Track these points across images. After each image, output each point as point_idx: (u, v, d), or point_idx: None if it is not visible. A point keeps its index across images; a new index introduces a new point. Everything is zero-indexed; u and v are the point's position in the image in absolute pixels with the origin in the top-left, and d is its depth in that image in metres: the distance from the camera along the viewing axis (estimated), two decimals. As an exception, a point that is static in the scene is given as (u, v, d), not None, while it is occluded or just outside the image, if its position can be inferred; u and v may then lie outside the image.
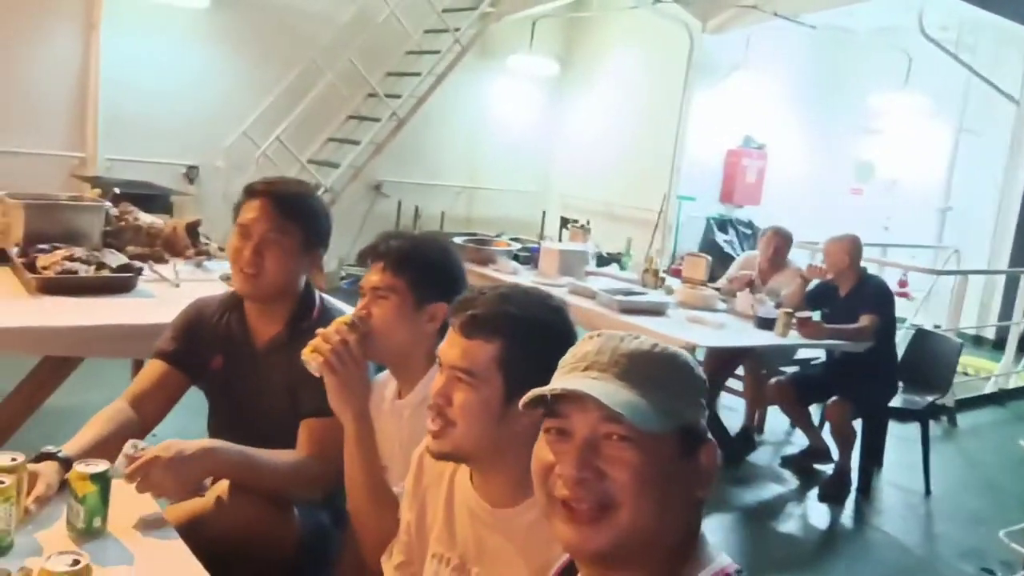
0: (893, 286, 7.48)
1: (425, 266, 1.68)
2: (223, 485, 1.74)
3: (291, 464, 1.80)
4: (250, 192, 1.90)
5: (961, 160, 8.41)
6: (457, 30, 7.39)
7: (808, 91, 8.77)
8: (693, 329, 3.75)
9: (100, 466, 1.43)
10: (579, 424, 0.96)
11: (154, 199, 6.11)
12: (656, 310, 3.92)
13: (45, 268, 2.51)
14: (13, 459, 1.40)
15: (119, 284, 2.56)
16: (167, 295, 2.62)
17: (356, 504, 1.60)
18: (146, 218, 3.23)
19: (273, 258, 1.85)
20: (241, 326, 1.95)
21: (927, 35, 6.94)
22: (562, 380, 0.99)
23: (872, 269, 6.43)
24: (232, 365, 1.96)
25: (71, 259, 2.59)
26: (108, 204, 3.14)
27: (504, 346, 1.26)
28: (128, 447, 1.54)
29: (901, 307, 6.87)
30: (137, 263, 2.74)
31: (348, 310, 2.13)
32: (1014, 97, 7.81)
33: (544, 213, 8.74)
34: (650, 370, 0.97)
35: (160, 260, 3.03)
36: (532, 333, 1.26)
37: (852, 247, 4.23)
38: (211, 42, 6.96)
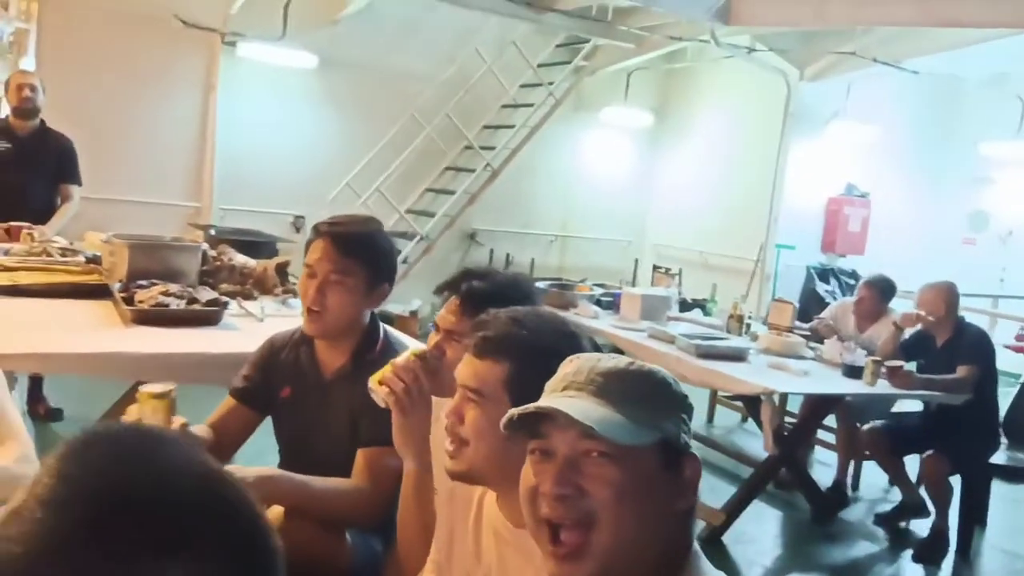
0: (1009, 339, 7.10)
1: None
2: (278, 510, 1.81)
3: (345, 491, 1.87)
4: (315, 232, 1.99)
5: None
6: (551, 84, 7.58)
7: (914, 138, 8.51)
8: (773, 375, 3.67)
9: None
10: (559, 443, 0.99)
11: (262, 246, 6.48)
12: (735, 355, 3.86)
13: (141, 302, 2.72)
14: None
15: (206, 317, 2.74)
16: (251, 328, 2.78)
17: (406, 539, 1.64)
18: (239, 258, 3.44)
19: (335, 297, 1.93)
20: (310, 358, 2.05)
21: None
22: (540, 401, 1.03)
23: (984, 321, 6.13)
24: (299, 395, 2.06)
25: (166, 294, 2.79)
26: (205, 245, 3.37)
27: (512, 368, 1.28)
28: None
29: (1018, 362, 6.49)
30: (224, 298, 2.92)
31: (410, 342, 2.22)
32: None
33: (637, 261, 8.73)
34: (626, 386, 0.99)
35: (249, 297, 3.22)
36: (540, 356, 1.25)
37: (948, 294, 4.04)
38: (319, 100, 7.37)
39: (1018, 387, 4.39)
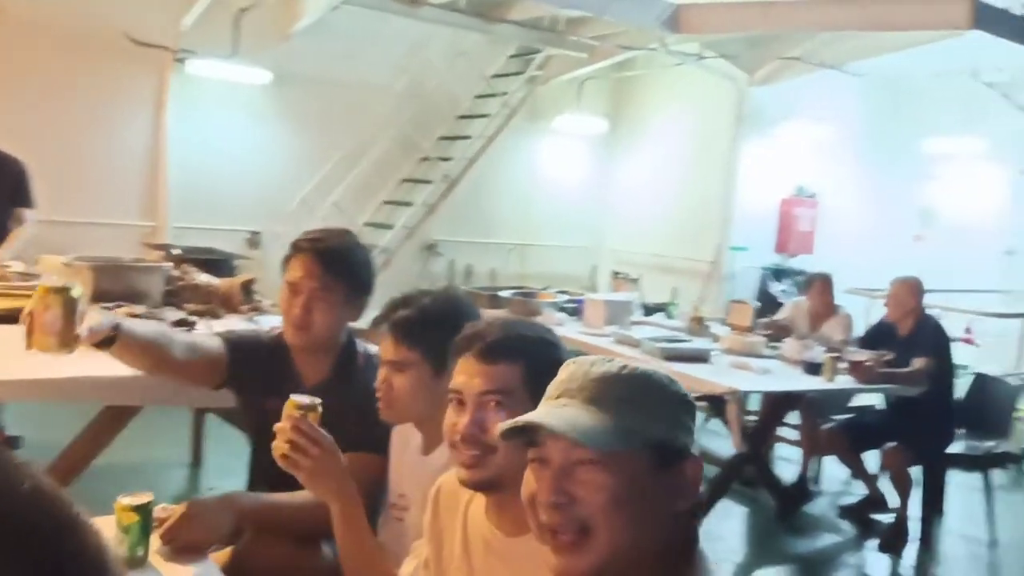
0: (959, 332, 7.31)
1: (439, 333, 1.61)
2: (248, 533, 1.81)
3: (317, 501, 1.88)
4: (296, 248, 2.00)
5: (1022, 202, 8.22)
6: (505, 94, 7.64)
7: (860, 138, 8.74)
8: (736, 375, 3.74)
9: (143, 498, 1.53)
10: (553, 452, 1.02)
11: (217, 263, 6.40)
12: (699, 357, 3.93)
13: (107, 324, 2.68)
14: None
15: (151, 320, 2.70)
16: (201, 335, 2.75)
17: (349, 573, 1.63)
18: (203, 278, 3.41)
19: (321, 312, 1.95)
20: (290, 368, 2.05)
21: (980, 78, 6.89)
22: (534, 412, 1.05)
23: (935, 315, 6.31)
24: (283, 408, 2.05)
25: (131, 316, 2.76)
26: (168, 265, 3.34)
27: (526, 365, 1.32)
28: (158, 510, 1.66)
29: (968, 354, 6.69)
30: (192, 318, 2.90)
31: None
32: (1072, 137, 7.65)
33: (595, 267, 8.82)
34: (616, 391, 1.01)
35: (216, 316, 3.19)
36: (545, 352, 1.33)
37: (919, 288, 4.21)
38: (273, 115, 7.33)
39: (972, 378, 4.52)
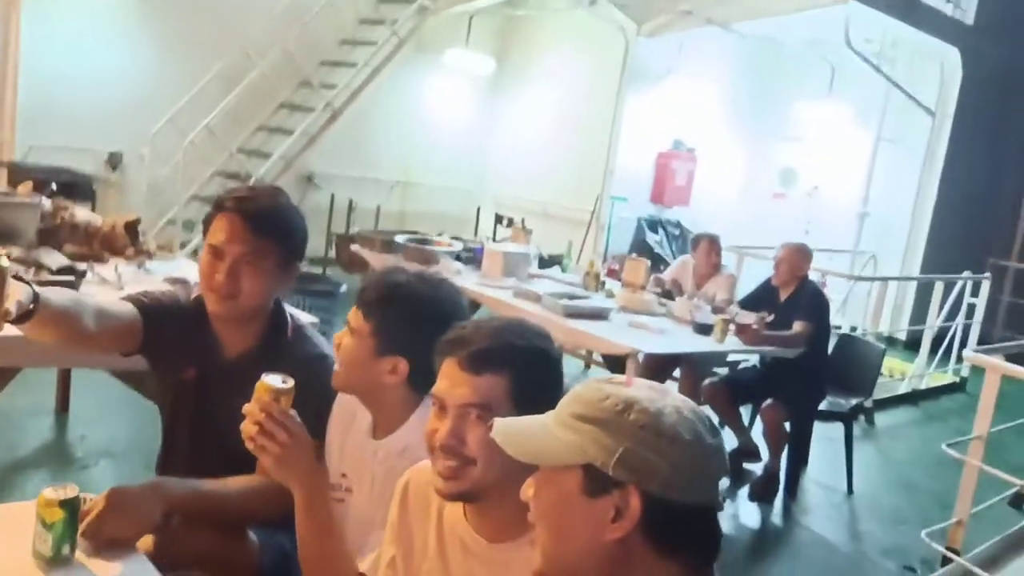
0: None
1: (394, 315, 1.58)
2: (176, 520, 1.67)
3: (249, 488, 1.75)
4: (220, 207, 1.79)
5: (879, 168, 8.76)
6: (395, 22, 7.32)
7: (736, 97, 9.01)
8: (636, 335, 3.81)
9: (70, 491, 1.38)
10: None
11: (75, 187, 5.89)
12: (599, 314, 3.96)
13: (-20, 270, 2.38)
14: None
15: (62, 287, 2.44)
16: (111, 299, 2.51)
17: (308, 566, 1.55)
18: (83, 215, 3.09)
19: (249, 280, 1.76)
20: (211, 336, 1.88)
21: (852, 47, 7.20)
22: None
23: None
24: (204, 378, 1.88)
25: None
26: (44, 200, 3.00)
27: (514, 377, 1.26)
28: None
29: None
30: (79, 264, 2.63)
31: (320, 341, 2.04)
32: (930, 109, 8.19)
33: (479, 210, 8.73)
34: (574, 409, 1.00)
35: (100, 260, 2.91)
36: (536, 362, 1.28)
37: (809, 253, 4.39)
38: (139, 26, 6.73)
39: (834, 337, 4.80)
